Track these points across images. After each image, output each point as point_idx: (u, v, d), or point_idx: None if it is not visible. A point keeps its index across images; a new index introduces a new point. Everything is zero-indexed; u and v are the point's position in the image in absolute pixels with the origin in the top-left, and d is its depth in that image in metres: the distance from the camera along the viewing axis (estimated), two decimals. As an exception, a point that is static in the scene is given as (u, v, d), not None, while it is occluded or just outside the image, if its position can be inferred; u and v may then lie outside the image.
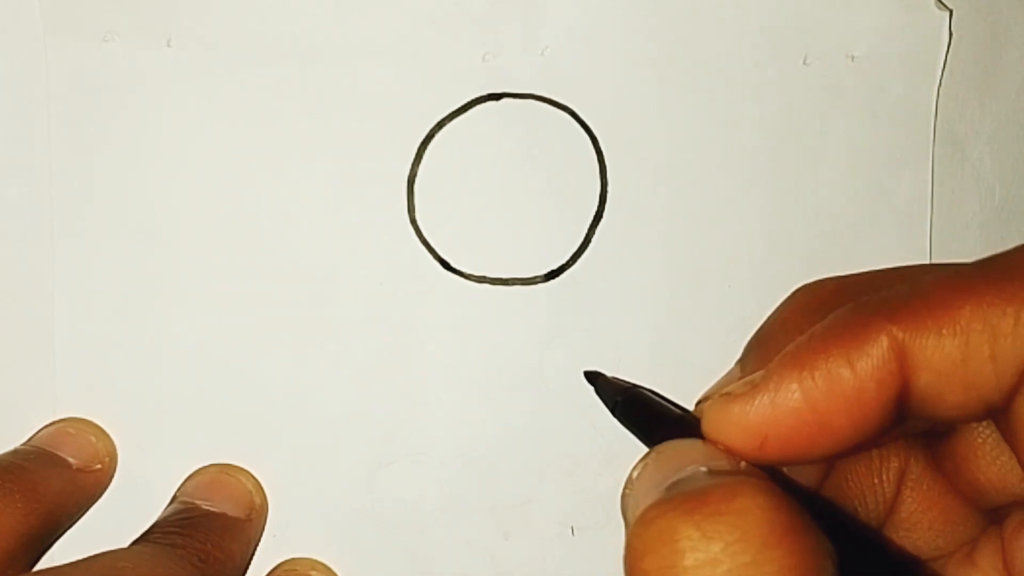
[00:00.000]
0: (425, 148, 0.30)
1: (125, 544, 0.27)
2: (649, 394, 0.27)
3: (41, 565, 0.28)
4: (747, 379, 0.22)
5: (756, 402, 0.21)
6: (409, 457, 0.31)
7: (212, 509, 0.28)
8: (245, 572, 0.29)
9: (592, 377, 0.29)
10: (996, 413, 0.21)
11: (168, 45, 0.30)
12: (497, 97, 0.30)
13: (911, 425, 0.25)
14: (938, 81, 0.32)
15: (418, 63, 0.30)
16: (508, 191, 0.31)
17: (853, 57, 0.31)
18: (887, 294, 0.21)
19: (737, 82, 0.31)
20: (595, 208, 0.31)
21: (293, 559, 0.30)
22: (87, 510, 0.29)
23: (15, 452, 0.28)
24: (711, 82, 0.31)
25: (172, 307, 0.30)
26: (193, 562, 0.26)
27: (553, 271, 0.31)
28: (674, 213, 0.31)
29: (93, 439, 0.29)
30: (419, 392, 0.31)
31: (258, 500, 0.30)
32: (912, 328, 0.20)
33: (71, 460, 0.28)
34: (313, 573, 0.30)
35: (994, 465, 0.23)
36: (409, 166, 0.30)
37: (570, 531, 0.31)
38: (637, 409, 0.26)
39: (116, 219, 0.30)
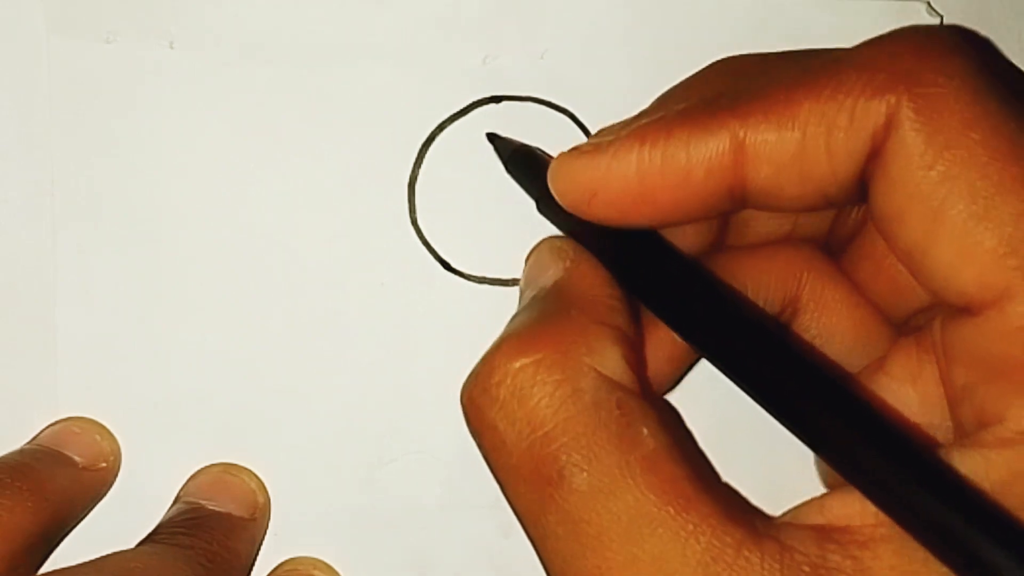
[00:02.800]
0: (426, 150, 0.31)
1: (127, 543, 0.27)
2: (537, 151, 0.29)
3: (45, 566, 0.28)
4: (597, 140, 0.24)
5: (595, 162, 0.23)
6: (409, 456, 0.31)
7: (217, 509, 0.28)
8: (250, 571, 0.29)
9: (491, 137, 0.30)
10: (839, 204, 0.23)
11: (171, 47, 0.30)
12: (498, 100, 0.31)
13: (804, 229, 0.27)
14: (928, 86, 0.32)
15: (419, 65, 0.30)
16: (509, 193, 0.31)
17: (845, 62, 0.32)
18: (741, 87, 0.22)
19: (733, 86, 0.32)
20: (595, 209, 0.31)
21: (295, 558, 0.30)
22: (92, 509, 0.29)
23: (22, 451, 0.28)
24: (707, 86, 0.31)
25: (173, 307, 0.30)
26: (201, 562, 0.26)
27: (553, 272, 0.31)
28: (673, 214, 0.31)
29: (98, 437, 0.29)
30: (419, 391, 0.31)
31: (261, 499, 0.30)
32: (753, 124, 0.21)
33: (77, 459, 0.28)
34: (315, 572, 0.30)
35: None
36: (410, 168, 0.31)
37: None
38: (524, 162, 0.29)
39: (118, 220, 0.30)
